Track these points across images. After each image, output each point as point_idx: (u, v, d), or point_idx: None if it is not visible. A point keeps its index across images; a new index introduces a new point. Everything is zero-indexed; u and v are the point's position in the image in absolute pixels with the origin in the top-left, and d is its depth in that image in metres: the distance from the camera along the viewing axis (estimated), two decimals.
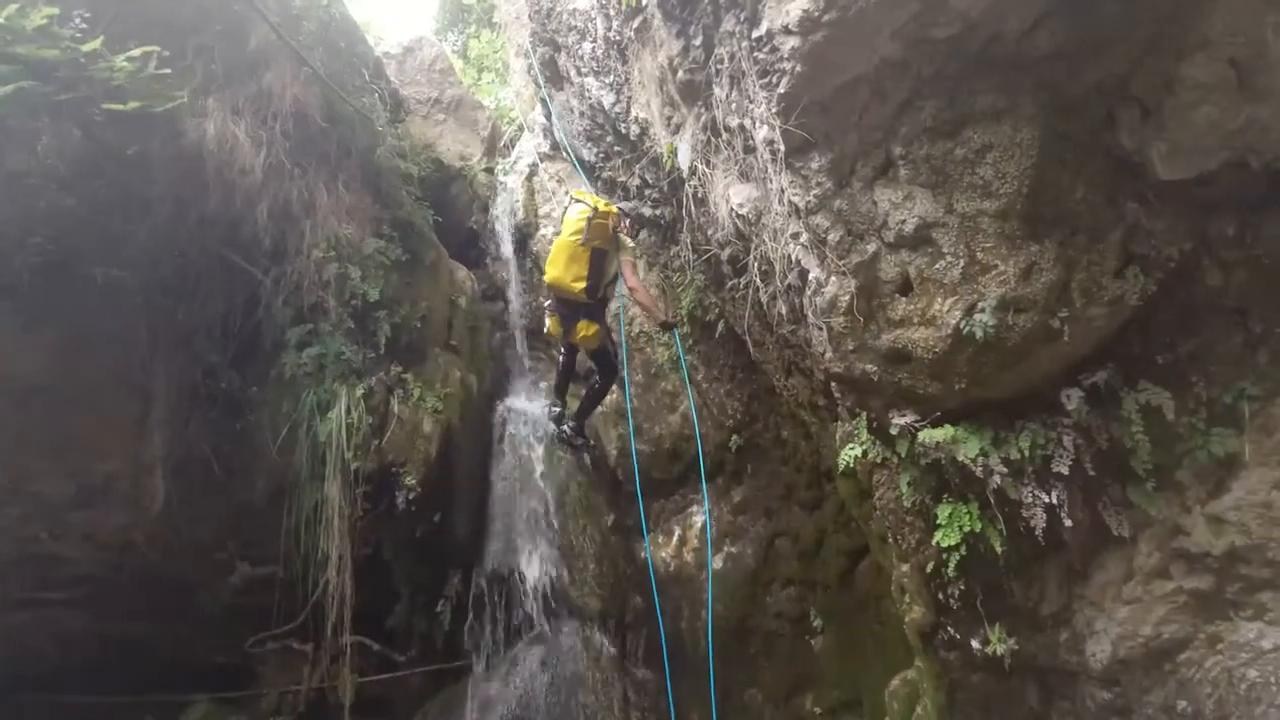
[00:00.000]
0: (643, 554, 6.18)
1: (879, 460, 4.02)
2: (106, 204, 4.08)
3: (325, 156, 5.26)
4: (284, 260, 4.93)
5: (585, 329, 5.08)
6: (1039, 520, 3.50)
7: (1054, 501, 3.48)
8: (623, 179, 6.49)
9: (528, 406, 6.43)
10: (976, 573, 3.91)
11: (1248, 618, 3.47)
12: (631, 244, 5.29)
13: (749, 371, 6.12)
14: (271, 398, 4.78)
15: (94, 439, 4.27)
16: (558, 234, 5.09)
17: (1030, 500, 3.50)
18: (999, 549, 3.65)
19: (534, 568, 5.32)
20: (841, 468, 4.24)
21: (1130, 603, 3.72)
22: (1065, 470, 3.42)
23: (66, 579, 4.33)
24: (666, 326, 5.35)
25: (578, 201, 5.05)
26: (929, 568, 4.06)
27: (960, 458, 3.49)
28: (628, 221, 5.55)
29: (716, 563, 6.10)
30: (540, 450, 5.99)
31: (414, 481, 4.94)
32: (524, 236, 7.88)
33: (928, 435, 3.53)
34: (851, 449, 4.03)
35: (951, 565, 3.82)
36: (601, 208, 5.00)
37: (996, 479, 3.46)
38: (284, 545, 4.68)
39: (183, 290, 4.62)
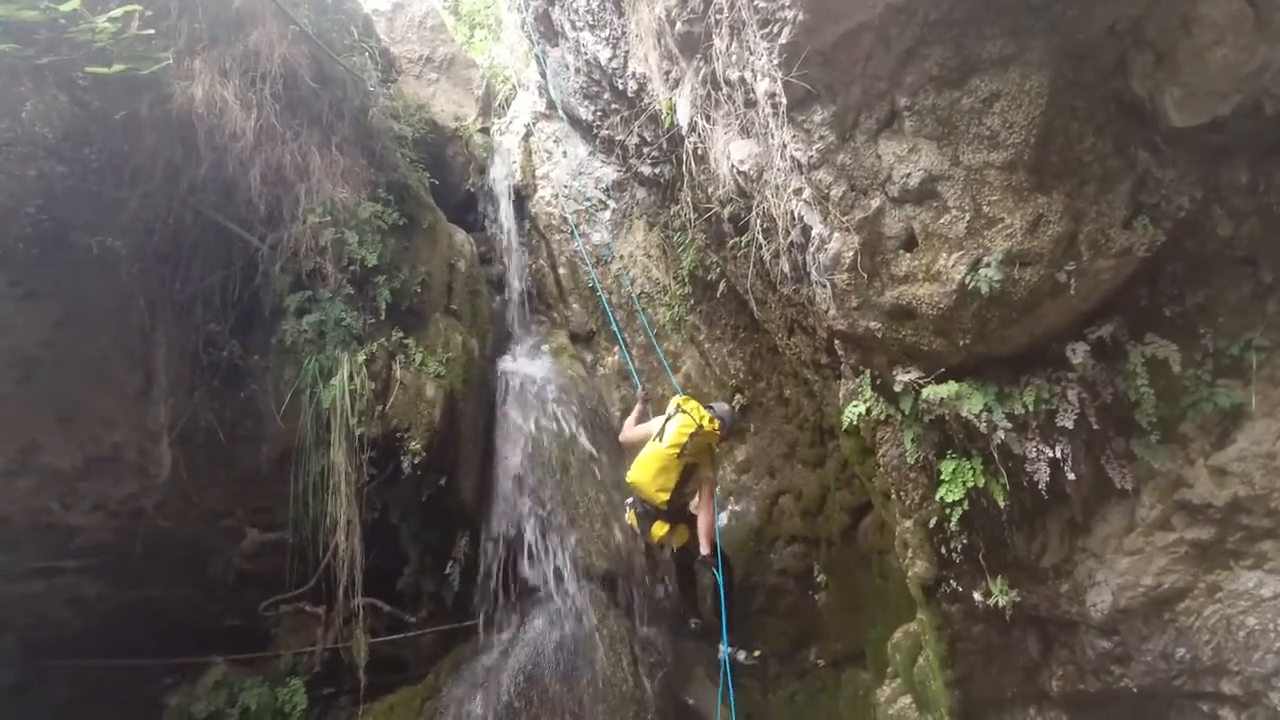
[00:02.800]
0: None
1: (883, 417, 4.02)
2: (97, 171, 4.01)
3: (317, 119, 5.15)
4: (280, 226, 4.87)
5: (659, 530, 4.83)
6: (1042, 474, 3.51)
7: (1058, 455, 3.48)
8: (620, 137, 6.37)
9: (530, 369, 6.41)
10: (979, 527, 3.94)
11: (1248, 566, 3.51)
12: (716, 472, 5.17)
13: (751, 331, 6.10)
14: (273, 365, 4.77)
15: (99, 409, 4.29)
16: (655, 438, 4.74)
17: (1034, 455, 3.51)
18: (1002, 503, 3.67)
19: (540, 529, 5.37)
20: (845, 425, 4.24)
21: (1131, 554, 3.75)
22: (1069, 424, 3.41)
23: (80, 548, 4.38)
24: (705, 563, 4.93)
25: (682, 412, 4.74)
26: (932, 522, 4.09)
27: (964, 413, 3.48)
28: (725, 432, 5.08)
29: (721, 520, 6.16)
30: (543, 412, 6.00)
31: (419, 446, 4.96)
32: (522, 198, 7.77)
33: (932, 391, 3.52)
34: (855, 406, 4.02)
35: (954, 520, 3.85)
36: (706, 425, 4.68)
37: (1000, 434, 3.46)
38: (292, 511, 4.73)
39: (179, 259, 4.58)
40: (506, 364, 6.40)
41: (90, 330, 4.21)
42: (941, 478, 3.76)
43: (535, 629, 5.06)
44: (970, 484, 3.65)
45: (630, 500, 4.94)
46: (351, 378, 4.65)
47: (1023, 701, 4.47)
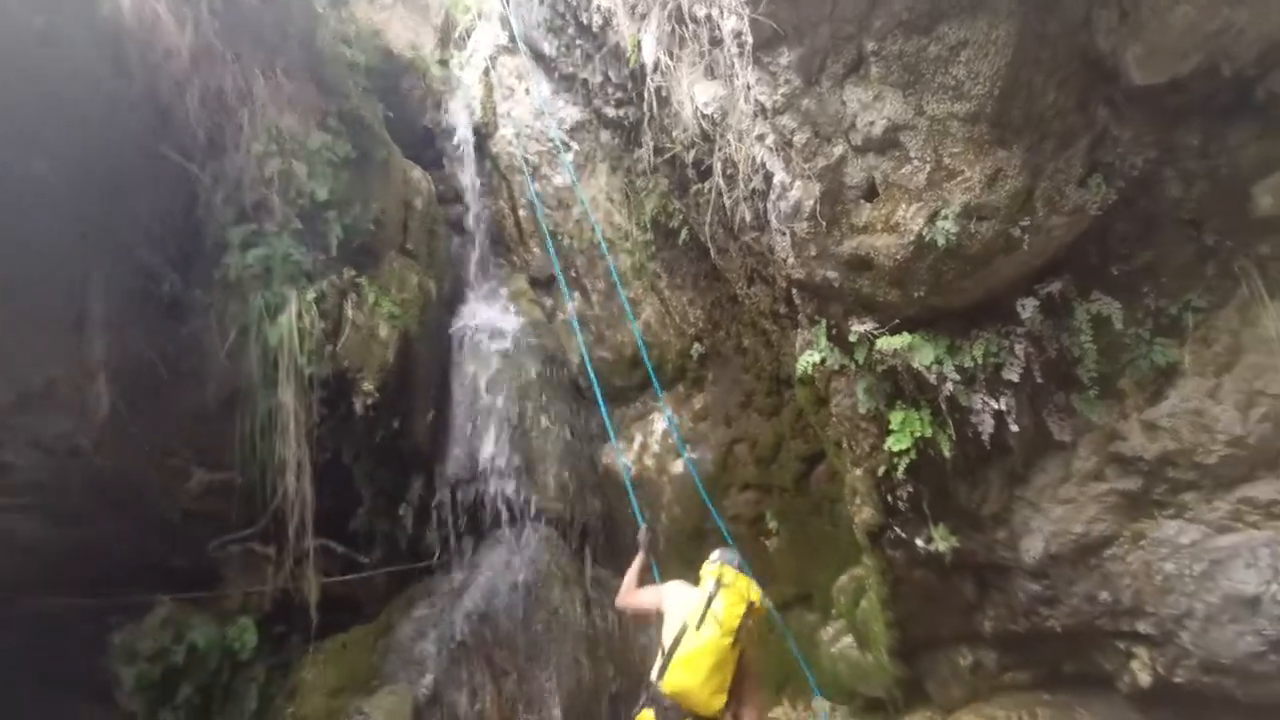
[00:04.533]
0: (604, 460, 6.29)
1: (837, 367, 4.07)
2: (17, 86, 3.72)
3: (260, 39, 4.83)
4: (221, 155, 4.61)
5: None
6: (987, 426, 3.62)
7: (1002, 408, 3.59)
8: (584, 75, 6.17)
9: (488, 313, 6.32)
10: (924, 476, 4.06)
11: (1170, 516, 3.70)
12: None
13: (711, 279, 6.08)
14: (217, 301, 4.58)
15: (30, 344, 4.08)
16: (685, 628, 3.54)
17: (980, 407, 3.60)
18: (947, 453, 3.78)
19: (496, 473, 5.37)
20: (800, 374, 4.29)
21: (1065, 503, 3.92)
22: (1015, 378, 3.51)
23: (15, 485, 4.22)
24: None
25: (725, 586, 3.58)
26: (880, 471, 4.21)
27: (916, 365, 3.55)
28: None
29: (677, 467, 6.24)
30: (500, 359, 5.94)
31: (371, 388, 4.87)
32: (482, 137, 7.51)
33: (885, 342, 3.56)
34: (810, 356, 4.06)
35: (901, 469, 3.96)
36: (758, 604, 3.61)
37: (949, 386, 3.54)
38: (240, 451, 4.62)
39: (113, 187, 4.31)
40: (464, 307, 6.29)
41: (17, 260, 3.97)
42: (891, 427, 3.85)
43: (489, 570, 5.11)
44: (918, 434, 3.75)
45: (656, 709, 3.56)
46: (300, 315, 4.50)
47: (956, 641, 4.71)
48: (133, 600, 4.70)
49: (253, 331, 4.46)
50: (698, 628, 3.50)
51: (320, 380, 4.72)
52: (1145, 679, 3.92)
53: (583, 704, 4.17)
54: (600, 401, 5.29)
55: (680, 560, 5.97)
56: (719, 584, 3.55)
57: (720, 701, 3.47)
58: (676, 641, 3.53)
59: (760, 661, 3.72)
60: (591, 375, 5.48)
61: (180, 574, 4.91)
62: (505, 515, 5.35)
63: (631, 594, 3.98)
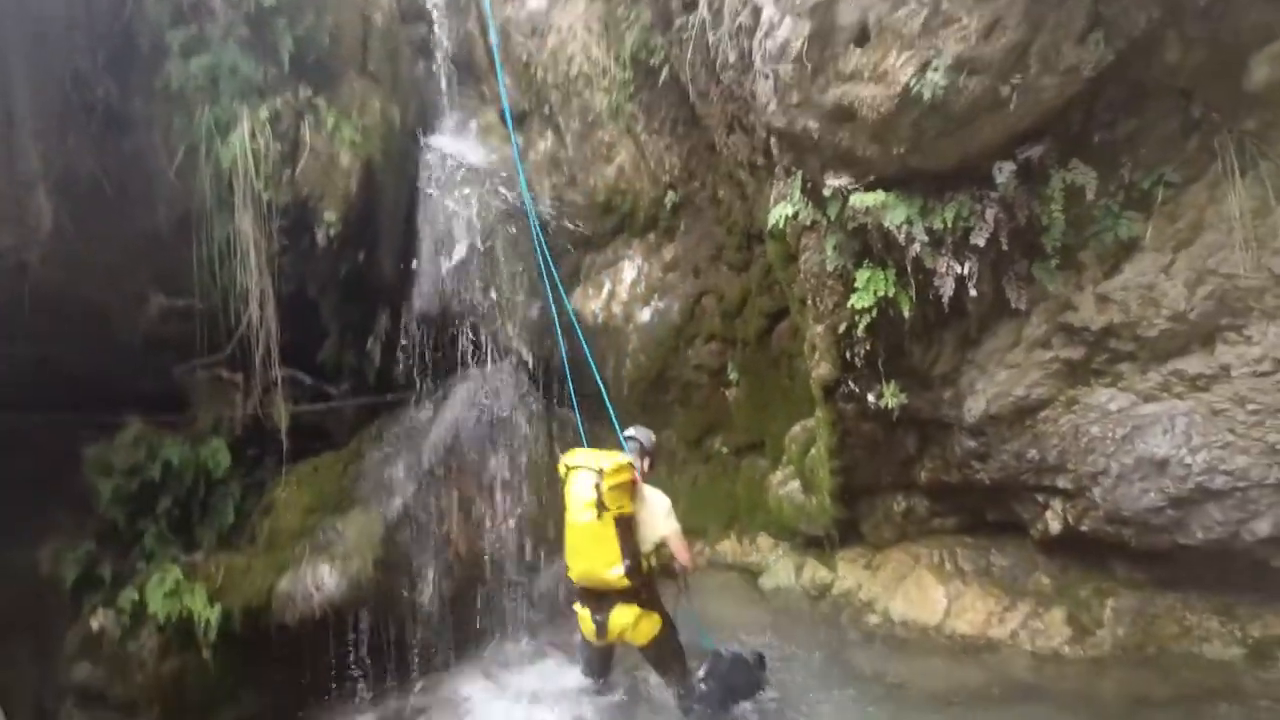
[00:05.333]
0: (572, 304, 6.31)
1: (809, 223, 4.05)
2: None
3: None
4: None
5: (623, 618, 3.85)
6: (948, 289, 3.69)
7: (965, 272, 3.64)
8: None
9: (456, 147, 6.01)
10: (882, 335, 4.18)
11: (1105, 384, 3.91)
12: (668, 504, 4.07)
13: (690, 125, 5.82)
14: (159, 114, 4.27)
15: None
16: (569, 515, 3.92)
17: (944, 270, 3.65)
18: (907, 314, 3.88)
19: (463, 310, 5.36)
20: (771, 228, 4.27)
21: (1011, 367, 4.10)
22: (981, 243, 3.53)
23: None
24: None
25: (577, 470, 3.90)
26: (841, 328, 4.31)
27: (886, 224, 3.54)
28: (647, 461, 4.26)
29: (643, 316, 6.30)
30: (466, 193, 5.73)
31: (334, 218, 4.71)
32: None
33: (859, 199, 3.53)
34: (783, 209, 4.02)
35: (861, 326, 4.06)
36: (610, 468, 3.82)
37: (917, 246, 3.56)
38: (198, 277, 4.53)
39: None
40: (431, 139, 5.96)
41: None
42: (855, 285, 3.90)
43: (456, 404, 5.24)
44: (881, 293, 3.81)
45: (576, 604, 4.06)
46: (254, 135, 4.24)
47: (893, 489, 5.08)
48: (102, 420, 4.77)
49: (202, 150, 4.20)
50: (568, 516, 3.91)
51: (279, 208, 4.54)
52: (1056, 527, 4.32)
53: (542, 531, 4.49)
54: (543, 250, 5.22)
55: (640, 407, 6.21)
56: (568, 468, 3.93)
57: (618, 572, 3.78)
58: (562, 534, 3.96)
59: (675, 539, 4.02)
60: (534, 224, 5.29)
61: (148, 396, 4.96)
62: (473, 353, 5.41)
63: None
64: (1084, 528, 4.16)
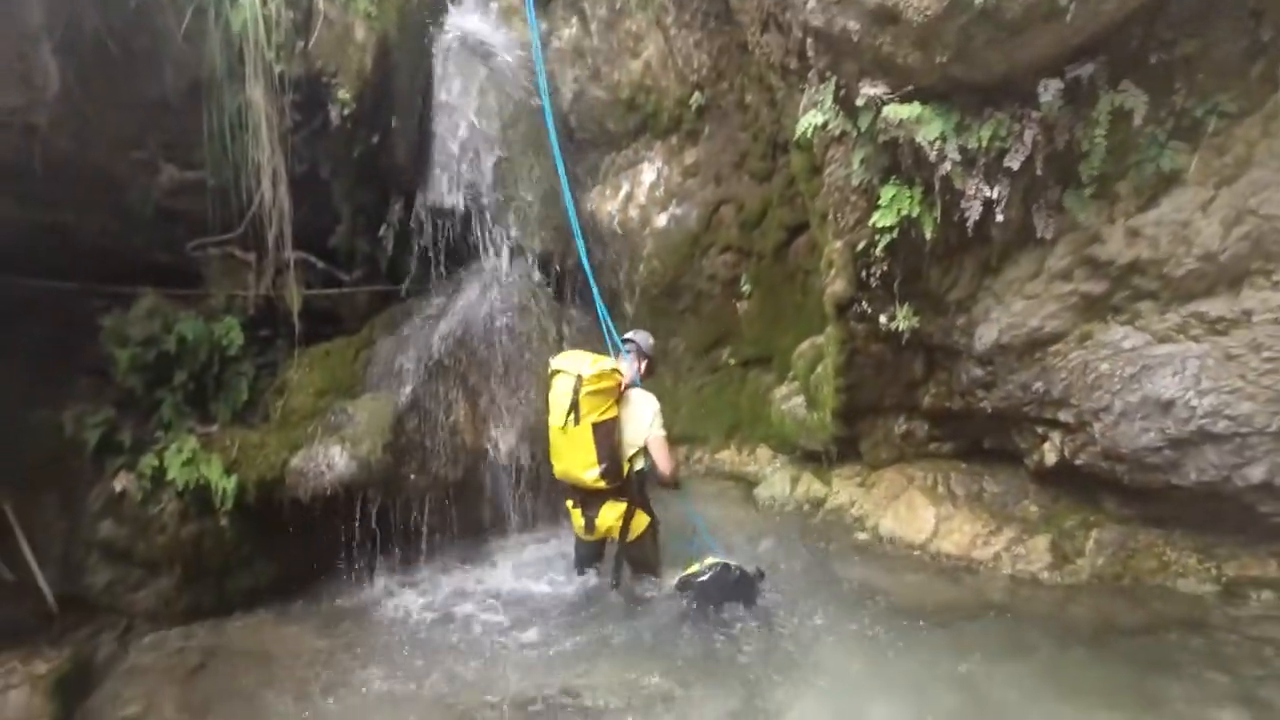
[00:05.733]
0: (589, 205, 6.19)
1: (838, 133, 3.90)
2: None
3: None
4: None
5: (610, 516, 4.04)
6: (974, 213, 3.59)
7: (994, 196, 3.53)
8: None
9: (476, 25, 5.72)
10: (901, 256, 4.11)
11: (1121, 321, 3.85)
12: (655, 409, 4.10)
13: (723, 21, 5.52)
14: None
15: None
16: (551, 419, 4.01)
17: (973, 192, 3.54)
18: (929, 235, 3.79)
19: (478, 202, 5.26)
20: (799, 136, 4.11)
21: (1029, 298, 4.04)
22: (1015, 166, 3.41)
23: None
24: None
25: (559, 374, 3.94)
26: (860, 246, 4.24)
27: (919, 139, 3.40)
28: (644, 364, 4.35)
29: (660, 221, 6.19)
30: (488, 81, 5.51)
31: (348, 96, 4.55)
32: None
33: (893, 111, 3.38)
34: (813, 117, 3.86)
35: (881, 245, 3.99)
36: (590, 374, 3.83)
37: (948, 165, 3.44)
38: (210, 150, 4.43)
39: None
40: (450, 18, 5.66)
41: None
42: (880, 202, 3.80)
43: (467, 298, 5.25)
44: (905, 212, 3.72)
45: (568, 500, 4.22)
46: (264, 1, 4.04)
47: (895, 411, 5.13)
48: (117, 290, 4.80)
49: (210, 12, 4.01)
50: (550, 418, 4.01)
51: (292, 81, 4.39)
52: (1052, 459, 4.38)
53: (545, 427, 4.55)
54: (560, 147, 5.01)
55: (651, 313, 6.21)
56: (552, 375, 3.99)
57: (593, 474, 3.93)
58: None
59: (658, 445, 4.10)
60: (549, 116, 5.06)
61: (162, 270, 4.97)
62: (486, 247, 5.36)
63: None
64: (1079, 461, 4.21)
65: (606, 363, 4.01)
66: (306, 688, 3.73)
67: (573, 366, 3.93)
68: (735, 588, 4.07)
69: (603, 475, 3.92)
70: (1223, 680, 3.29)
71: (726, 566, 4.08)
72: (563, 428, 3.92)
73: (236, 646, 4.22)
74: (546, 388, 4.07)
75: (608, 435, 3.92)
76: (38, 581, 4.35)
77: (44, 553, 4.42)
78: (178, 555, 4.41)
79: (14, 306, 4.62)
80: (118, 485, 4.39)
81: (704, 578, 4.04)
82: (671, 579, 4.25)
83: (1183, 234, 3.47)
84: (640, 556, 4.31)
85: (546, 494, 5.00)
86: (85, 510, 4.41)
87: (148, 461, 4.36)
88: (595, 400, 3.87)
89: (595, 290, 5.00)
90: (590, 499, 4.07)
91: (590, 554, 4.48)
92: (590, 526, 4.12)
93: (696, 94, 5.89)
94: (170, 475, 4.33)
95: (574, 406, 3.85)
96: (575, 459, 3.95)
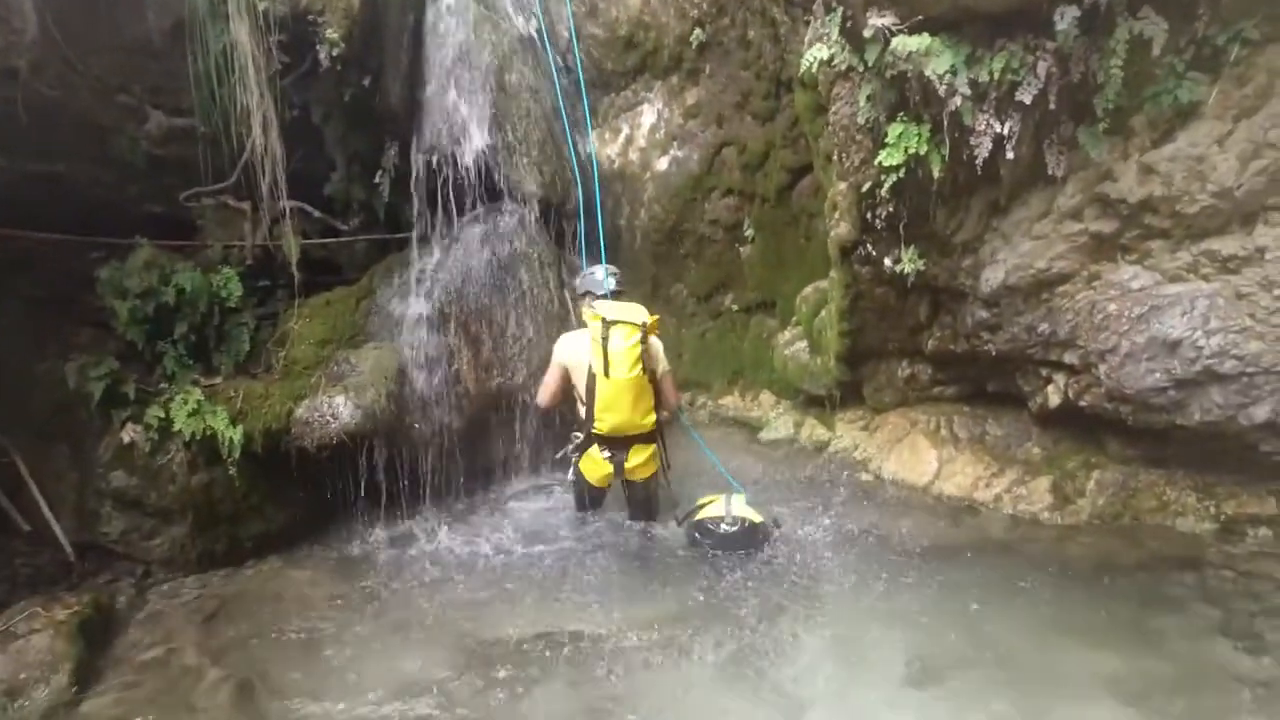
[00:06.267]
0: (588, 148, 6.06)
1: (843, 68, 3.78)
2: None
3: None
4: None
5: (641, 455, 4.23)
6: (984, 150, 3.50)
7: (1005, 132, 3.44)
8: None
9: None
10: (907, 197, 4.04)
11: (1131, 261, 3.80)
12: (660, 343, 4.30)
13: None
14: None
15: None
16: (603, 372, 3.96)
17: (983, 128, 3.45)
18: (936, 174, 3.71)
19: (473, 147, 5.14)
20: (803, 73, 3.99)
21: (1037, 238, 3.98)
22: (1028, 100, 3.31)
23: None
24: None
25: (616, 324, 3.91)
26: (865, 187, 4.16)
27: (928, 72, 3.29)
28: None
29: (661, 164, 6.07)
30: (481, 20, 5.32)
31: (336, 36, 4.37)
32: None
33: (902, 43, 3.26)
34: (817, 52, 3.73)
35: (887, 186, 3.91)
36: (650, 323, 3.99)
37: (957, 100, 3.33)
38: (197, 95, 4.31)
39: None
40: None
41: None
42: (886, 141, 3.70)
43: (466, 245, 5.17)
44: (912, 150, 3.63)
45: (592, 448, 4.24)
46: None
47: (899, 355, 5.12)
48: (113, 242, 4.75)
49: None
50: (606, 375, 3.92)
51: (277, 20, 4.23)
52: (1055, 401, 4.38)
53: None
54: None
55: (652, 258, 6.15)
56: (606, 325, 3.90)
57: (651, 418, 4.14)
58: (591, 392, 4.02)
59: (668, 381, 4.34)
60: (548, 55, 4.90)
61: (158, 221, 4.90)
62: (483, 193, 5.26)
63: (546, 392, 4.32)
64: (1083, 403, 4.21)
65: (645, 311, 4.10)
66: (321, 630, 3.83)
67: (632, 316, 3.98)
68: (753, 536, 4.16)
69: (656, 419, 4.15)
70: (1217, 615, 3.36)
71: (750, 523, 4.16)
72: (631, 379, 3.97)
73: (251, 592, 4.31)
74: (595, 339, 3.98)
75: (654, 378, 4.12)
76: (54, 531, 4.43)
77: (58, 503, 4.50)
78: (189, 504, 4.47)
79: (12, 259, 4.59)
80: (125, 436, 4.43)
81: (728, 529, 4.13)
82: (678, 513, 4.40)
83: (1197, 170, 3.38)
84: (652, 494, 4.48)
85: (553, 440, 5.03)
86: (96, 461, 4.46)
87: (153, 413, 4.38)
88: (651, 347, 4.04)
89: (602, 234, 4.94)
90: (622, 445, 4.19)
91: (599, 497, 4.57)
92: (619, 470, 4.24)
93: (697, 30, 5.70)
94: (177, 426, 4.36)
95: (642, 357, 3.96)
96: (637, 408, 4.05)
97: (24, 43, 3.78)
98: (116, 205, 4.77)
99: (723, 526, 4.15)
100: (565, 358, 4.22)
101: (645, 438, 4.21)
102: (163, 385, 4.58)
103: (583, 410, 4.20)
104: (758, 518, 4.21)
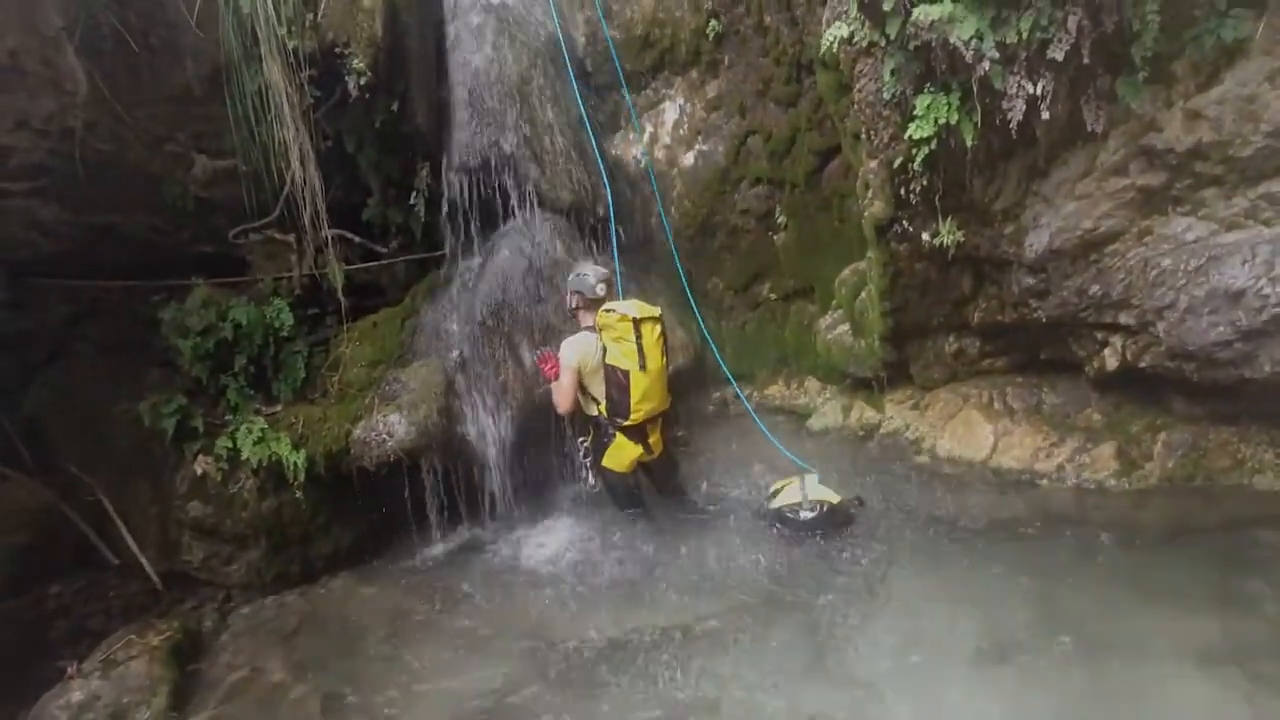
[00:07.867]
0: (613, 149, 6.09)
1: (865, 45, 3.73)
2: None
3: None
4: None
5: (656, 432, 4.50)
6: (1018, 113, 3.42)
7: (1038, 92, 3.36)
8: None
9: None
10: (941, 169, 3.97)
11: (1183, 213, 3.66)
12: None
13: None
14: None
15: None
16: (639, 367, 4.16)
17: (1015, 90, 3.37)
18: (969, 143, 3.64)
19: (501, 160, 5.22)
20: (824, 52, 3.95)
21: (1081, 198, 3.87)
22: (1060, 57, 3.22)
23: (21, 169, 4.19)
24: None
25: (648, 320, 4.20)
26: (896, 163, 4.10)
27: (953, 39, 3.23)
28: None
29: (688, 160, 6.07)
30: (499, 34, 5.40)
31: (362, 65, 4.52)
32: None
33: (923, 12, 3.21)
34: (837, 30, 3.69)
35: (919, 159, 3.85)
36: (655, 313, 4.32)
37: (986, 65, 3.27)
38: (237, 136, 4.49)
39: None
40: None
41: None
42: (914, 114, 3.65)
43: (502, 258, 5.25)
44: (942, 121, 3.57)
45: (619, 437, 4.36)
46: None
47: (945, 330, 5.02)
48: (171, 284, 4.98)
49: None
50: (642, 369, 4.15)
51: (306, 56, 4.38)
52: (1113, 364, 4.25)
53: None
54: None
55: (685, 254, 6.14)
56: (637, 323, 4.12)
57: (669, 398, 4.51)
58: (625, 389, 4.20)
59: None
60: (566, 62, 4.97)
61: (210, 260, 5.12)
62: (515, 204, 5.34)
63: (565, 398, 4.34)
64: (1143, 364, 4.08)
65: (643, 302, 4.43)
66: (394, 640, 3.96)
67: (652, 311, 4.29)
68: (834, 518, 4.17)
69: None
70: None
71: (829, 505, 4.16)
72: (659, 369, 4.27)
73: (325, 609, 4.47)
74: (626, 337, 4.15)
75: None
76: (141, 562, 4.67)
77: (142, 535, 4.74)
78: (261, 529, 4.67)
79: (80, 309, 4.86)
80: (198, 468, 4.65)
81: (808, 515, 4.15)
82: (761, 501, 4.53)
83: (1249, 110, 3.24)
84: (673, 461, 4.81)
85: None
86: (174, 493, 4.69)
87: (222, 444, 4.59)
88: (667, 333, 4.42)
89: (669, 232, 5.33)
90: (644, 428, 4.39)
91: (632, 486, 4.66)
92: (649, 449, 4.44)
93: (713, 22, 5.68)
94: (244, 455, 4.55)
95: (665, 349, 4.34)
96: (662, 394, 4.36)
97: (77, 103, 4.00)
98: (171, 249, 5.00)
99: (802, 514, 4.16)
100: (579, 361, 4.27)
101: (664, 414, 4.52)
102: (228, 417, 4.79)
103: (599, 408, 4.31)
104: (835, 498, 4.19)
